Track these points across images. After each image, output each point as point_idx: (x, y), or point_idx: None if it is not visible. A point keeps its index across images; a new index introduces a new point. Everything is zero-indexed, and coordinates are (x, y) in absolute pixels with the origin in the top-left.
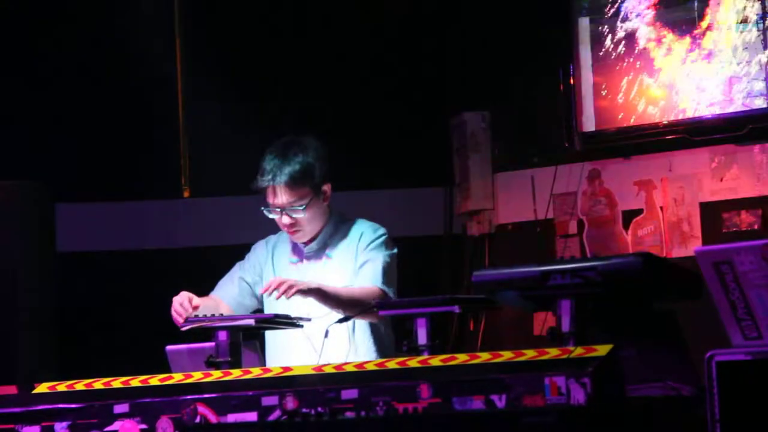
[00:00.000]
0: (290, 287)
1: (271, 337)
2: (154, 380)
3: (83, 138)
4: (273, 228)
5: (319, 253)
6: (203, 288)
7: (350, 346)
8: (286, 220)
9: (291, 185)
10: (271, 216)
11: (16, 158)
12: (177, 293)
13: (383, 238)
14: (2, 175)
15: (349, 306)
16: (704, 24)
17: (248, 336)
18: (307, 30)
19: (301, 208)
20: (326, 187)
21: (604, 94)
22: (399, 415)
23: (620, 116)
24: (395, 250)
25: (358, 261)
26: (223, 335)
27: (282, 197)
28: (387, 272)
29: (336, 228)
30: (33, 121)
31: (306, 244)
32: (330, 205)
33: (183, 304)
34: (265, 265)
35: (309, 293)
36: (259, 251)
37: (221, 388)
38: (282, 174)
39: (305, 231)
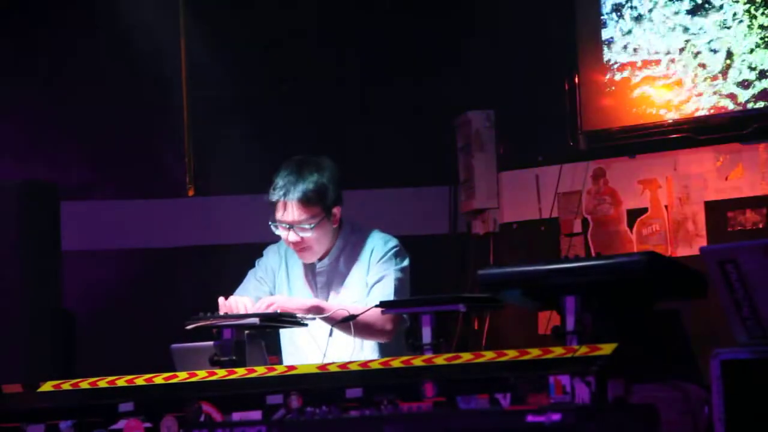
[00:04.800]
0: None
1: (283, 335)
2: (159, 379)
3: (88, 136)
4: None
5: (331, 272)
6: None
7: (355, 345)
8: (293, 237)
9: (303, 202)
10: (277, 232)
11: (21, 157)
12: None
13: (394, 250)
14: (7, 174)
15: (356, 330)
16: (712, 23)
17: (253, 334)
18: (312, 30)
19: (310, 227)
20: (336, 210)
21: (608, 92)
22: (403, 413)
23: (625, 115)
24: (406, 262)
25: (369, 278)
26: (227, 333)
27: (292, 214)
28: (398, 290)
29: (346, 241)
30: (37, 119)
31: (318, 260)
32: (341, 220)
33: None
34: (278, 273)
35: (308, 312)
36: (272, 256)
37: (226, 386)
38: (295, 190)
39: (313, 250)
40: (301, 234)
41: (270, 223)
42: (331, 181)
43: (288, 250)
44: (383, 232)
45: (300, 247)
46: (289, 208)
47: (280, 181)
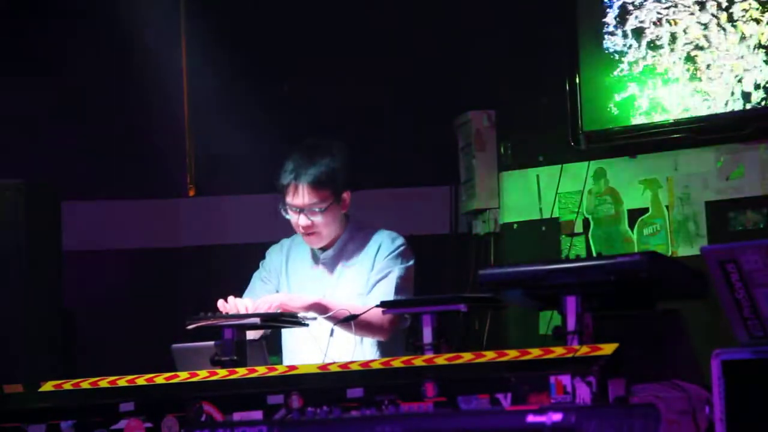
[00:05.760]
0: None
1: (285, 335)
2: (160, 379)
3: (88, 136)
4: (278, 228)
5: (334, 263)
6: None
7: (356, 345)
8: (303, 221)
9: (314, 186)
10: (287, 216)
11: (21, 157)
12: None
13: (401, 249)
14: (7, 174)
15: (355, 327)
16: (712, 21)
17: (264, 334)
18: (313, 29)
19: (320, 210)
20: (346, 195)
21: (609, 92)
22: (404, 413)
23: (625, 115)
24: (411, 262)
25: (373, 275)
26: (228, 333)
27: (303, 197)
28: (400, 289)
29: (352, 235)
30: (37, 119)
31: (322, 250)
32: (348, 212)
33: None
34: (281, 272)
35: (310, 309)
36: (274, 257)
37: (226, 386)
38: (306, 174)
39: (321, 235)
40: (312, 218)
41: (279, 207)
42: (342, 166)
43: (290, 248)
44: (389, 230)
45: (309, 231)
46: (299, 192)
47: (290, 164)
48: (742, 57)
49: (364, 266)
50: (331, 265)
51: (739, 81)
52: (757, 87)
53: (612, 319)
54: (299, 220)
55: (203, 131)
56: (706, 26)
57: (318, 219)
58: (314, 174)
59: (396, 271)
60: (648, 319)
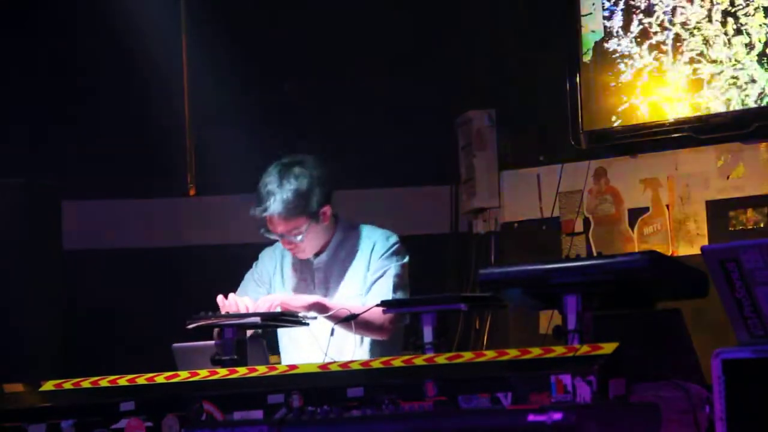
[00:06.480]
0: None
1: (281, 335)
2: (160, 378)
3: (89, 135)
4: None
5: (329, 266)
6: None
7: (356, 345)
8: (285, 244)
9: (285, 215)
10: (271, 237)
11: (22, 156)
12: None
13: (395, 246)
14: (8, 173)
15: (356, 327)
16: (716, 25)
17: (255, 334)
18: (313, 28)
19: (297, 238)
20: (325, 209)
21: (610, 91)
22: (405, 413)
23: (626, 114)
24: (406, 259)
25: (369, 275)
26: (229, 333)
27: (278, 226)
28: (397, 287)
29: (344, 236)
30: (38, 118)
31: (315, 255)
32: (335, 215)
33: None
34: (273, 276)
35: (310, 309)
36: (267, 260)
37: (227, 386)
38: (275, 202)
39: (307, 251)
40: (293, 241)
41: (261, 230)
42: (313, 185)
43: (284, 251)
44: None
45: (294, 251)
46: (274, 221)
47: (262, 194)
48: (745, 61)
49: (360, 267)
50: (327, 269)
51: (740, 84)
52: (759, 90)
53: (612, 319)
54: (282, 243)
55: (203, 131)
56: (709, 26)
57: (298, 241)
58: (284, 202)
59: (392, 269)
60: (648, 319)
